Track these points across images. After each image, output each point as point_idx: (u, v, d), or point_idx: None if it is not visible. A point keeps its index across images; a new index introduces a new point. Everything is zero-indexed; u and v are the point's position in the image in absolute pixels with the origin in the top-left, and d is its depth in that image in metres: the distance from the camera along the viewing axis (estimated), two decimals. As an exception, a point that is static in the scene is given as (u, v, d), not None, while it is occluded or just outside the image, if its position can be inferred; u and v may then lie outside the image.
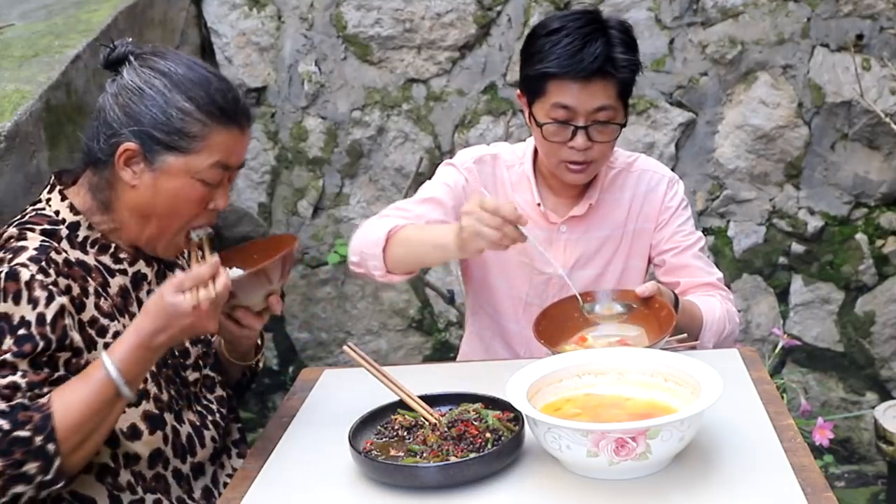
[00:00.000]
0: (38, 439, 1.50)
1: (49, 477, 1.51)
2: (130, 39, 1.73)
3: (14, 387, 1.53)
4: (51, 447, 1.51)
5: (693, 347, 2.06)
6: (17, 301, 1.56)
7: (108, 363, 1.56)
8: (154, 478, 1.71)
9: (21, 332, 1.55)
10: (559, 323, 1.99)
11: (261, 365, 2.01)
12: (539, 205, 2.18)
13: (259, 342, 1.94)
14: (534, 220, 2.19)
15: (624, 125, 2.08)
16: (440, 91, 3.53)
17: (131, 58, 1.69)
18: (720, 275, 2.24)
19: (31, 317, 1.56)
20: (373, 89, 3.56)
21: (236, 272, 1.75)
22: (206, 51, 3.64)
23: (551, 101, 2.03)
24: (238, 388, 2.01)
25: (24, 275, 1.57)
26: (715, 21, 3.37)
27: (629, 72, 2.05)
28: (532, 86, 2.08)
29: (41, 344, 1.56)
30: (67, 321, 1.59)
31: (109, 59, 1.70)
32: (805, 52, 3.35)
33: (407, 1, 3.47)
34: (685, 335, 1.99)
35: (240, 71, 3.61)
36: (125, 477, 1.68)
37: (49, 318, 1.57)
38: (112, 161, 1.66)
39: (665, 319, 1.92)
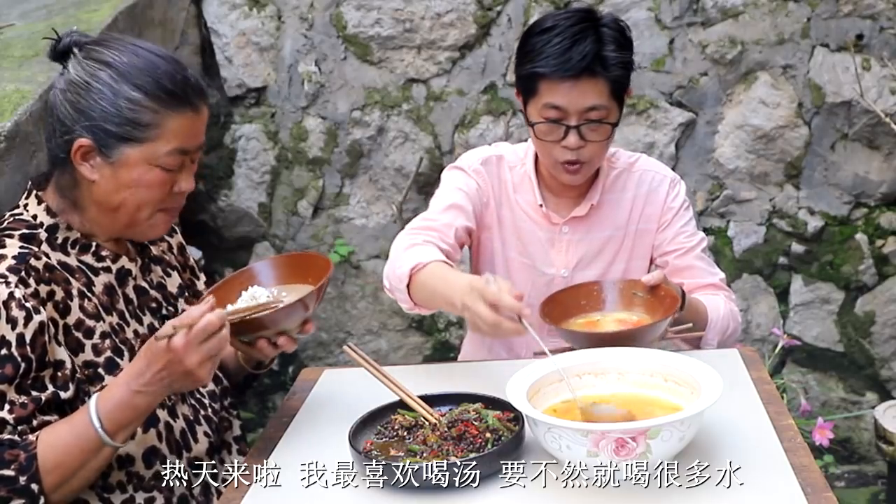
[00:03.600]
0: (22, 479, 1.52)
1: None
2: (75, 29, 1.70)
3: (2, 422, 1.54)
4: (34, 487, 1.53)
5: (699, 339, 2.07)
6: None
7: (93, 412, 1.56)
8: (153, 477, 1.71)
9: (2, 352, 1.55)
10: (566, 307, 2.00)
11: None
12: (541, 206, 2.18)
13: None
14: (535, 221, 2.19)
15: (616, 124, 2.08)
16: (440, 91, 3.53)
17: (76, 49, 1.66)
18: (722, 275, 2.24)
19: (11, 337, 1.55)
20: (373, 89, 3.56)
21: (267, 296, 1.78)
22: (206, 51, 3.64)
23: (543, 101, 2.03)
24: (244, 383, 2.01)
25: (2, 293, 1.56)
26: (715, 21, 3.37)
27: (621, 70, 2.03)
28: (525, 85, 2.08)
29: (23, 366, 1.56)
30: (47, 335, 1.59)
31: (56, 52, 1.67)
32: (805, 52, 3.35)
33: (407, 1, 3.47)
34: (690, 325, 1.99)
35: (240, 71, 3.61)
36: (116, 477, 1.68)
37: (28, 337, 1.56)
38: (70, 158, 1.64)
39: (669, 305, 1.92)
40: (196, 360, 1.54)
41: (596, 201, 2.18)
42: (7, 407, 1.55)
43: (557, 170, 2.11)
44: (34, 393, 1.57)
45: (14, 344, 1.55)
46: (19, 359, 1.55)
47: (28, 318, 1.56)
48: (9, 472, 1.52)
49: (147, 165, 1.64)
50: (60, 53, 1.67)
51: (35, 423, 1.57)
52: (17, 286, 1.57)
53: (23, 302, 1.57)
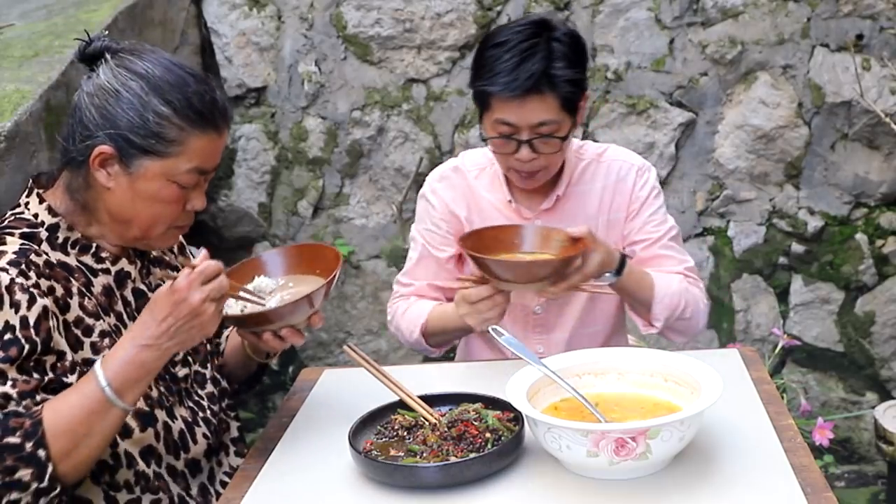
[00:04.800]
0: (29, 445, 1.50)
1: (44, 484, 1.51)
2: (107, 33, 1.71)
3: (6, 397, 1.53)
4: (41, 453, 1.51)
5: (646, 311, 2.11)
6: None
7: (99, 372, 1.55)
8: (157, 477, 1.71)
9: (7, 336, 1.55)
10: (487, 243, 2.00)
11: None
12: (510, 202, 2.20)
13: None
14: (508, 217, 2.22)
15: (566, 137, 2.07)
16: (440, 91, 3.53)
17: (108, 55, 1.66)
18: (691, 263, 2.22)
19: (15, 321, 1.55)
20: (373, 89, 3.56)
21: (272, 286, 1.81)
22: (206, 51, 3.64)
23: (494, 117, 2.05)
24: (251, 380, 2.01)
25: (4, 279, 1.56)
26: (715, 21, 3.37)
27: (571, 86, 2.02)
28: (478, 99, 2.11)
29: (27, 347, 1.55)
30: (51, 323, 1.59)
31: (85, 54, 1.67)
32: (805, 52, 3.35)
33: (407, 1, 3.47)
34: (604, 284, 2.04)
35: (240, 71, 3.61)
36: (123, 476, 1.67)
37: (32, 320, 1.56)
38: (87, 162, 1.64)
39: (577, 249, 1.94)
40: (199, 298, 1.55)
41: (561, 193, 2.19)
42: (10, 383, 1.54)
43: (514, 176, 2.15)
44: (35, 375, 1.57)
45: (18, 327, 1.55)
46: (23, 341, 1.55)
47: (31, 301, 1.56)
48: (14, 440, 1.49)
49: (164, 180, 1.65)
50: (90, 56, 1.67)
51: (38, 398, 1.56)
52: (18, 276, 1.57)
53: (26, 286, 1.57)
